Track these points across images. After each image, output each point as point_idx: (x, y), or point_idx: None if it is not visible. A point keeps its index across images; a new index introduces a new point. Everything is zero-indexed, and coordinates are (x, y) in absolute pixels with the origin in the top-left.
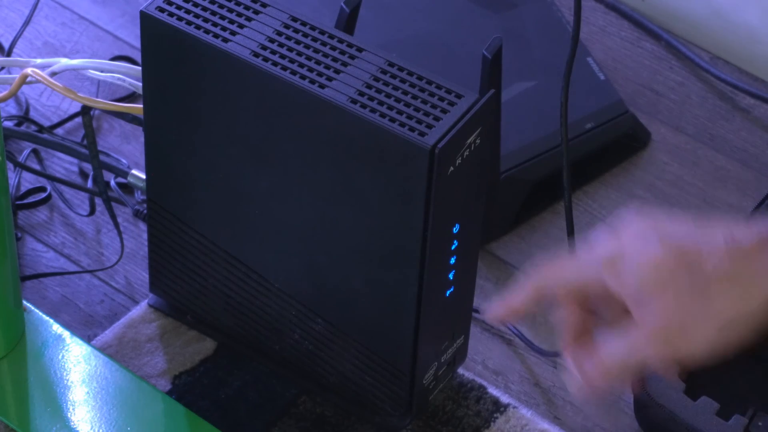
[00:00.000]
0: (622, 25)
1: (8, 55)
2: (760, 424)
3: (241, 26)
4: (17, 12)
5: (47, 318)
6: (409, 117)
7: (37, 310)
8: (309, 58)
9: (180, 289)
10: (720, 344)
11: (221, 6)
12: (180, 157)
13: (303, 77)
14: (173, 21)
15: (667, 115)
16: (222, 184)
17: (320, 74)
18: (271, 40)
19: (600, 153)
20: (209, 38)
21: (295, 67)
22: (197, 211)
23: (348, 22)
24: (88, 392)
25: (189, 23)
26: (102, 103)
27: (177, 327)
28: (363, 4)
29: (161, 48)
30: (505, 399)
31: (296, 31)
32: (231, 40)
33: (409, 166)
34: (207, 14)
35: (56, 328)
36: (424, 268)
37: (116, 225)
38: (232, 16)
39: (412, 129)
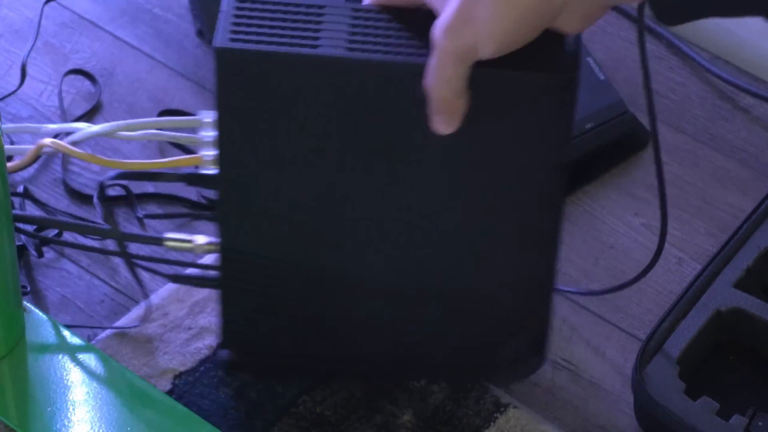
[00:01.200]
0: (622, 25)
1: (23, 73)
2: (760, 424)
3: (316, 30)
4: (17, 12)
5: (47, 318)
6: (524, 60)
7: (37, 310)
8: (398, 37)
9: (258, 333)
10: (511, 35)
11: (284, 20)
12: (265, 190)
13: (408, 54)
14: (253, 46)
15: (667, 115)
16: (313, 202)
17: (420, 47)
18: (353, 33)
19: (600, 153)
20: (297, 49)
21: (391, 48)
22: (282, 242)
23: None
24: (88, 392)
25: (269, 43)
26: (143, 163)
27: (177, 327)
28: None
29: (243, 78)
30: (505, 399)
31: (366, 18)
32: (319, 45)
33: (542, 106)
34: (278, 30)
35: (56, 328)
36: (559, 210)
37: (145, 295)
38: (302, 25)
39: (534, 70)
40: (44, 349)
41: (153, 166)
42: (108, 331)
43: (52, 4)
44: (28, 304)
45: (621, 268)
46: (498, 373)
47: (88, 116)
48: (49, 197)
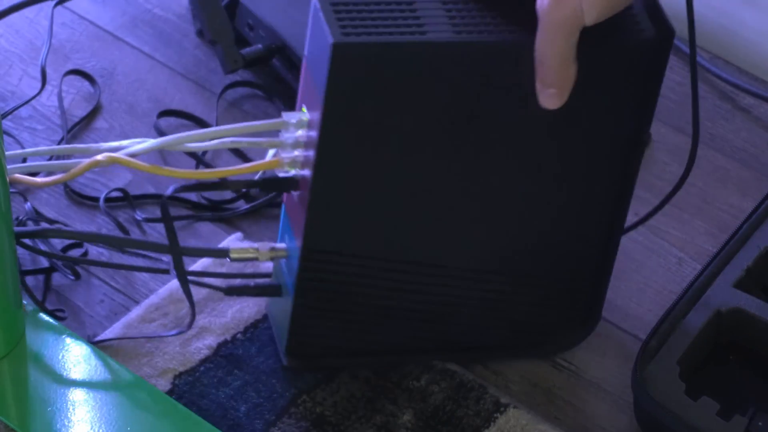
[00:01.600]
0: None
1: (43, 76)
2: (760, 424)
3: (415, 17)
4: (17, 12)
5: (47, 318)
6: (616, 24)
7: (36, 310)
8: (494, 16)
9: (329, 334)
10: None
11: (381, 10)
12: (361, 185)
13: (511, 32)
14: (368, 38)
15: (667, 115)
16: (408, 192)
17: (516, 23)
18: (451, 16)
19: None
20: (408, 38)
21: (492, 27)
22: (371, 236)
23: None
24: (88, 392)
25: (380, 34)
26: (215, 172)
27: (177, 326)
28: None
29: (357, 71)
30: (505, 399)
31: (456, 2)
32: (426, 31)
33: (641, 67)
34: (381, 21)
35: (56, 328)
36: (634, 179)
37: (192, 306)
38: (399, 13)
39: (628, 31)
40: (44, 349)
41: (227, 174)
42: (108, 331)
43: (51, 4)
44: (29, 304)
45: (620, 268)
46: (557, 343)
47: (89, 117)
48: (49, 197)
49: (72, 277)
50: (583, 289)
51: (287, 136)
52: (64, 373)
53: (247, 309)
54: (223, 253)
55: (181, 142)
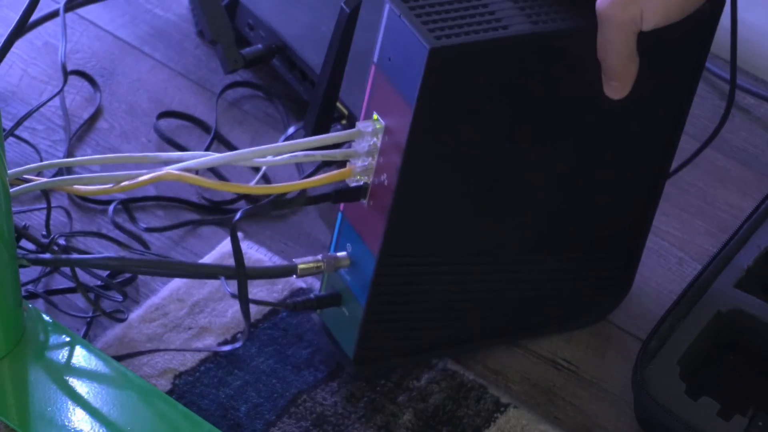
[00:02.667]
0: None
1: (64, 73)
2: (760, 423)
3: (490, 12)
4: (17, 12)
5: (47, 318)
6: None
7: (36, 310)
8: (560, 5)
9: (395, 336)
10: (677, 7)
11: (457, 9)
12: (444, 185)
13: (580, 19)
14: (456, 40)
15: None
16: (488, 186)
17: (585, 10)
18: (521, 8)
19: None
20: (493, 34)
21: (561, 16)
22: (441, 235)
23: (348, 22)
24: (88, 392)
25: (468, 33)
26: (287, 186)
27: (177, 326)
28: (363, 4)
29: (451, 73)
30: (505, 399)
31: None
32: (506, 25)
33: (690, 36)
34: (460, 20)
35: (56, 328)
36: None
37: (248, 326)
38: (473, 10)
39: None
40: (44, 349)
41: (299, 187)
42: (108, 331)
43: (50, 3)
44: (28, 304)
45: None
46: (598, 310)
47: (90, 118)
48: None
49: (120, 298)
50: (622, 257)
51: (362, 144)
52: (64, 373)
53: None
54: (290, 271)
55: (249, 158)
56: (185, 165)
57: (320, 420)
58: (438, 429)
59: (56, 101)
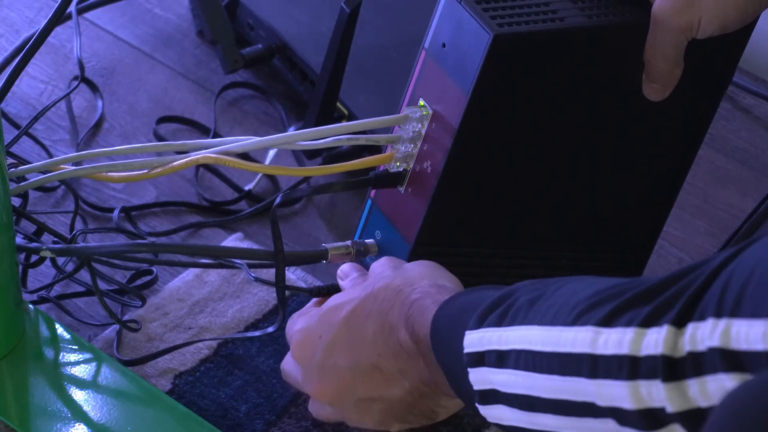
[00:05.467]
0: None
1: (80, 68)
2: None
3: (546, 4)
4: (17, 12)
5: (47, 318)
6: None
7: (37, 310)
8: (613, 2)
9: None
10: (734, 18)
11: (514, 0)
12: (480, 174)
13: (631, 14)
14: (517, 29)
15: None
16: (521, 177)
17: (636, 6)
18: (574, 2)
19: None
20: (550, 25)
21: (614, 11)
22: (475, 225)
23: (348, 22)
24: (88, 392)
25: (528, 23)
26: (328, 168)
27: (177, 326)
28: (363, 4)
29: (508, 61)
30: None
31: None
32: (562, 17)
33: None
34: (518, 10)
35: (56, 328)
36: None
37: (283, 312)
38: (534, 3)
39: None
40: (44, 349)
41: (340, 170)
42: (108, 331)
43: (50, 3)
44: (28, 305)
45: None
46: None
47: (90, 118)
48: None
49: (139, 303)
50: (636, 246)
51: (407, 129)
52: (64, 373)
53: (247, 309)
54: (322, 256)
55: (292, 141)
56: (225, 148)
57: (320, 420)
58: (438, 429)
59: (55, 100)
